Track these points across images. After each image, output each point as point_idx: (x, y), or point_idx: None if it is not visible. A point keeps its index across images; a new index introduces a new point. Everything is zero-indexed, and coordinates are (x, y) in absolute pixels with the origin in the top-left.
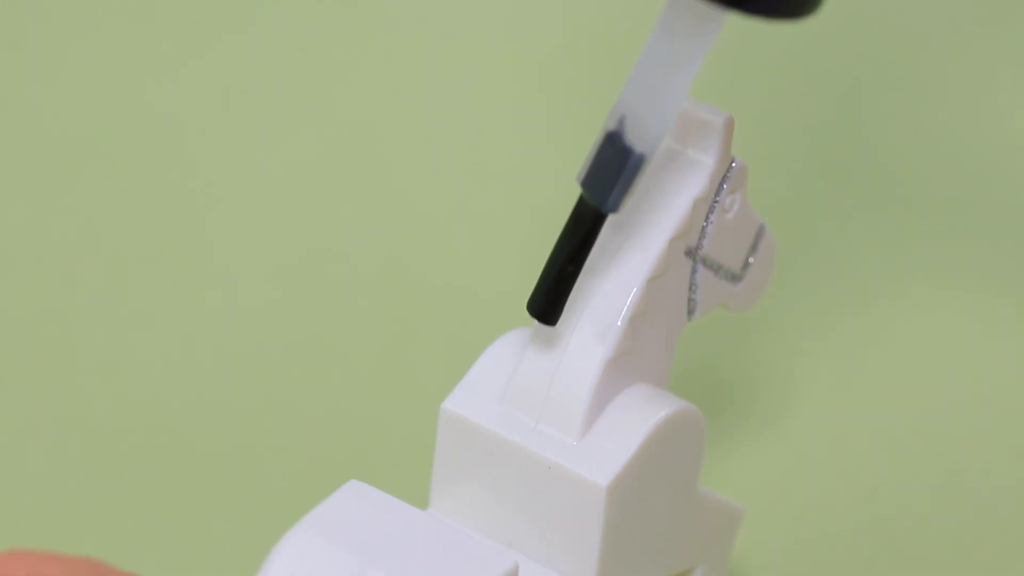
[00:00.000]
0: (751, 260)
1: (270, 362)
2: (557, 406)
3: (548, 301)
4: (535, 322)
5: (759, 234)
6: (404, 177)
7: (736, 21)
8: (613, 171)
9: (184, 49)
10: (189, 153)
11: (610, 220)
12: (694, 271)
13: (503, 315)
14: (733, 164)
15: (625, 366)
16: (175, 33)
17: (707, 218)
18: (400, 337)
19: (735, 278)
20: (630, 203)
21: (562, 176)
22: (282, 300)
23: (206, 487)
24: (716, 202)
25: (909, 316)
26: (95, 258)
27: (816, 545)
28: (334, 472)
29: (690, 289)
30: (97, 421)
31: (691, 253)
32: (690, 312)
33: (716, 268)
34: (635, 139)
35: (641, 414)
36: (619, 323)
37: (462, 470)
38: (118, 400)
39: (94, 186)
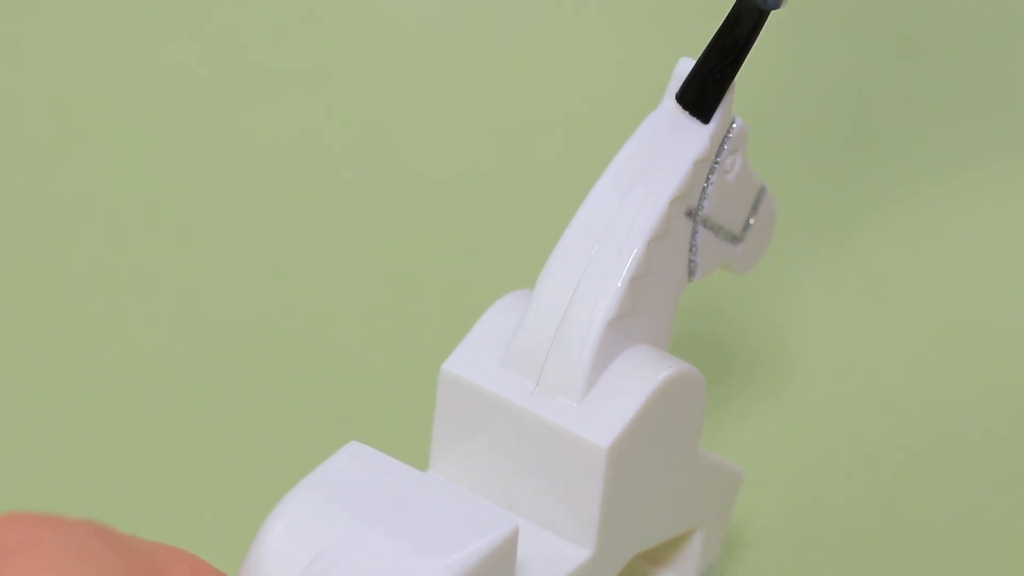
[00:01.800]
0: (751, 222)
1: (270, 324)
2: (557, 368)
3: (703, 95)
4: (535, 285)
5: (759, 196)
6: (404, 139)
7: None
8: None
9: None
10: (188, 112)
11: (610, 183)
12: (695, 232)
13: (503, 277)
14: (734, 125)
15: (625, 328)
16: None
17: (708, 179)
18: (400, 298)
19: (735, 239)
20: (630, 168)
21: (561, 138)
22: (281, 262)
23: (206, 450)
24: (716, 163)
25: (909, 283)
26: (94, 225)
27: (817, 510)
28: (334, 434)
29: (690, 250)
30: (97, 383)
31: (692, 214)
32: (690, 274)
33: (717, 229)
34: None
35: (642, 376)
36: (619, 284)
37: (462, 432)
38: (118, 360)
39: (91, 153)
